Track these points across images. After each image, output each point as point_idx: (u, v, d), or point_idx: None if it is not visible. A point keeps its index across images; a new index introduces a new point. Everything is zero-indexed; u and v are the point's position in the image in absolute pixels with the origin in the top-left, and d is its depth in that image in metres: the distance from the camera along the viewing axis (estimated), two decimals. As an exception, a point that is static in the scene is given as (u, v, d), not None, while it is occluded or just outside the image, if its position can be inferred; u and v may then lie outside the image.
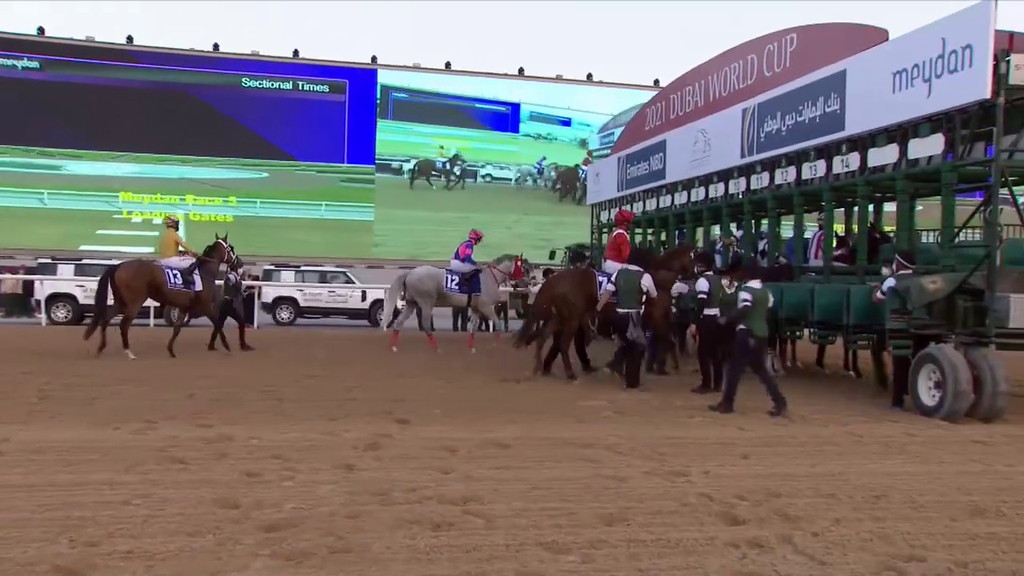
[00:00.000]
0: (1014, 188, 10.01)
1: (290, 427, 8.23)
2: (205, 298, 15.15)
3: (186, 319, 15.95)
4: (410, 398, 10.37)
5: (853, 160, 12.08)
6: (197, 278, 14.94)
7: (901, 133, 11.18)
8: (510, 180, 45.16)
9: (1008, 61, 9.26)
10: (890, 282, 10.35)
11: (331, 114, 41.49)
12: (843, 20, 13.32)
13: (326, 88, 41.51)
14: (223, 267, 16.07)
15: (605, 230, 23.02)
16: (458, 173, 44.38)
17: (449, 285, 16.76)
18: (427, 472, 6.53)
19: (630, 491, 6.11)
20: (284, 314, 24.79)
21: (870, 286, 11.07)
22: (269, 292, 24.76)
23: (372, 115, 42.27)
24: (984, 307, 9.67)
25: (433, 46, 71.41)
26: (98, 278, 15.00)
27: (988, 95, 9.33)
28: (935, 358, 9.69)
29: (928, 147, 10.66)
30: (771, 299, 10.47)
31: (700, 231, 18.04)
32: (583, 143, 46.72)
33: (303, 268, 26.60)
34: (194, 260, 15.17)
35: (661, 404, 10.43)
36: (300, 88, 41.27)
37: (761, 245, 15.54)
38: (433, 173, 43.99)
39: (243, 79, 40.68)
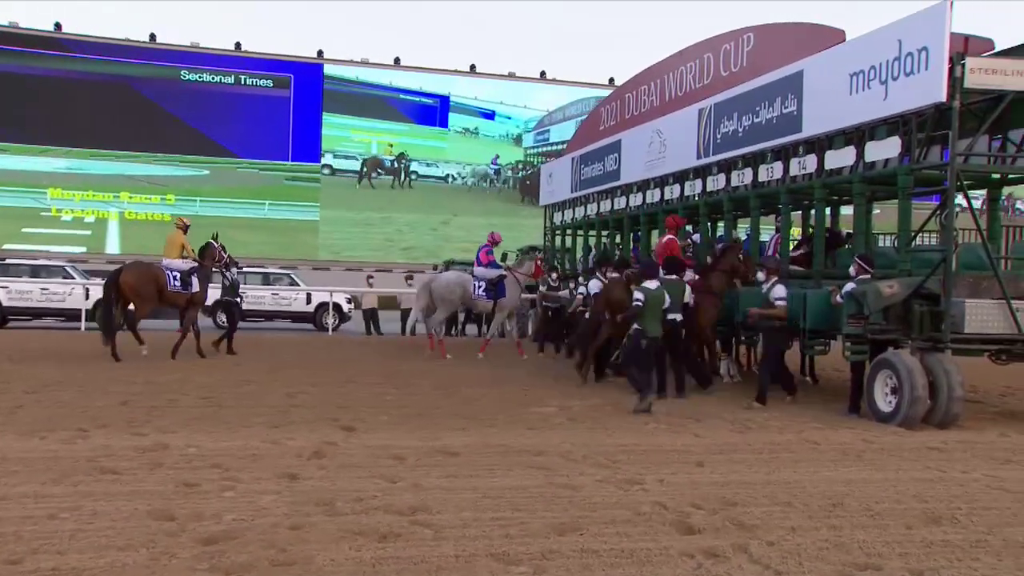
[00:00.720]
0: (970, 192, 10.20)
1: (230, 435, 8.14)
2: (199, 300, 15.78)
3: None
4: (357, 404, 10.32)
5: (810, 162, 12.25)
6: (195, 280, 15.57)
7: (858, 135, 11.37)
8: (443, 178, 44.83)
9: (963, 64, 9.46)
10: (848, 286, 10.51)
11: (275, 110, 41.08)
12: (801, 20, 13.54)
13: (270, 83, 41.10)
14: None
15: (559, 232, 23.10)
16: (403, 171, 44.25)
17: (476, 292, 16.79)
18: (374, 481, 6.48)
19: (583, 500, 6.12)
20: (224, 317, 24.31)
21: (827, 290, 11.23)
22: (209, 294, 24.36)
23: (318, 111, 41.95)
24: (940, 312, 9.84)
25: (381, 41, 71.25)
26: (91, 282, 16.03)
27: (944, 98, 9.52)
28: (891, 364, 9.86)
29: (885, 150, 10.85)
30: (667, 299, 10.86)
31: (655, 234, 18.15)
32: (517, 140, 46.55)
33: (245, 269, 26.29)
34: (194, 264, 15.78)
35: (615, 410, 10.47)
36: (243, 82, 40.79)
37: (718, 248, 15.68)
38: (380, 171, 43.82)
39: (182, 72, 40.12)
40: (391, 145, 44.11)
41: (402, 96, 44.14)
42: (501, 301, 16.92)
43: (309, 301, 24.94)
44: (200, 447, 7.53)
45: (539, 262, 18.07)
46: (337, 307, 24.47)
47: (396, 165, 44.23)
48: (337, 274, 36.84)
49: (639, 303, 10.43)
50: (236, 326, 17.19)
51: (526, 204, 45.33)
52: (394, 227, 43.18)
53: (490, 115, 45.91)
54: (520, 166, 47.23)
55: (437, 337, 17.06)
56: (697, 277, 12.73)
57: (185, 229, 16.13)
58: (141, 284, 14.90)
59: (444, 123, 45.14)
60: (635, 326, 10.48)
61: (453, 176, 45.26)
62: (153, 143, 39.37)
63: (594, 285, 13.06)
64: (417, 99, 44.62)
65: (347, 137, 42.83)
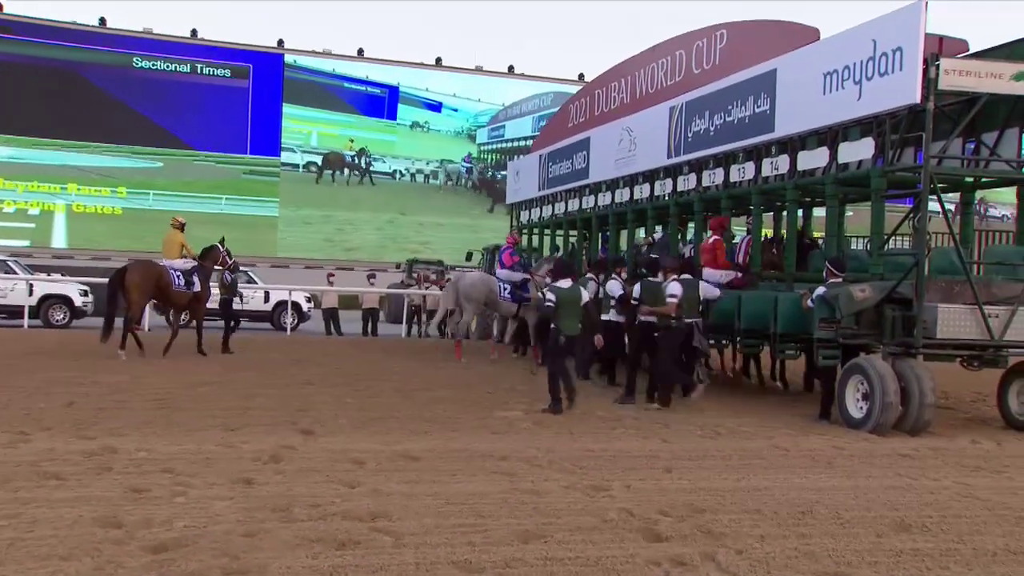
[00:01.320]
0: (944, 196, 10.33)
1: (183, 438, 8.05)
2: (202, 299, 16.35)
3: (186, 320, 17.23)
4: (315, 407, 10.26)
5: (782, 163, 12.37)
6: (196, 280, 16.08)
7: (831, 136, 11.49)
8: (391, 174, 44.60)
9: (938, 65, 9.56)
10: (820, 290, 10.61)
11: (233, 101, 40.71)
12: (775, 18, 13.66)
13: (227, 72, 40.75)
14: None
15: (525, 231, 23.11)
16: (366, 168, 44.06)
17: (502, 294, 16.84)
18: (332, 486, 6.44)
19: (548, 506, 6.12)
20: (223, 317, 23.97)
21: (799, 294, 11.33)
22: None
23: (278, 103, 41.63)
24: (912, 317, 9.95)
25: (345, 32, 70.91)
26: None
27: (918, 100, 9.63)
28: (863, 369, 9.96)
29: (858, 151, 10.98)
30: (584, 297, 11.00)
31: (624, 234, 18.23)
32: (471, 136, 46.25)
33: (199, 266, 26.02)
34: (195, 263, 16.28)
35: (582, 414, 10.49)
36: (199, 71, 40.40)
37: (686, 250, 15.80)
38: (343, 167, 43.61)
39: (134, 59, 39.61)
40: (351, 140, 43.88)
41: (346, 85, 43.47)
42: (527, 305, 16.91)
43: (267, 300, 24.76)
44: (151, 451, 7.44)
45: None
46: (296, 306, 24.32)
47: (357, 161, 44.03)
48: (296, 272, 36.65)
49: (551, 303, 10.68)
50: (237, 326, 17.75)
51: (484, 203, 45.21)
52: (354, 224, 42.99)
53: (436, 107, 45.48)
54: (473, 164, 46.99)
55: (460, 337, 17.21)
56: (739, 276, 13.11)
57: (182, 228, 16.62)
58: (143, 281, 15.27)
59: (392, 115, 44.63)
60: (552, 325, 10.83)
61: (401, 172, 44.75)
62: (103, 133, 38.83)
63: (614, 287, 13.02)
64: (363, 88, 43.91)
65: (286, 128, 42.55)
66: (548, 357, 10.97)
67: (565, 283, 10.87)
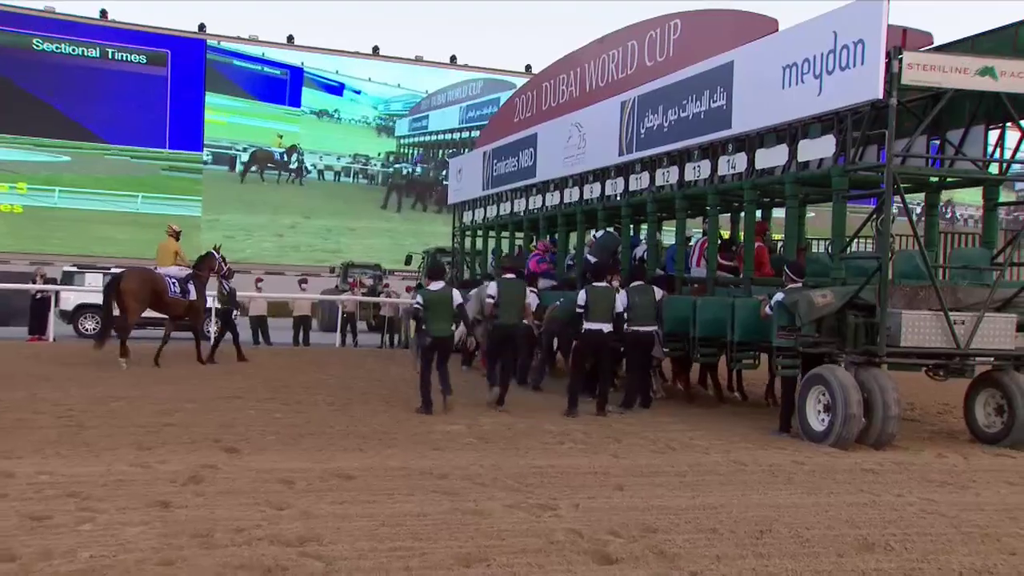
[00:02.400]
0: (907, 196, 10.50)
1: (91, 459, 7.92)
2: (199, 307, 17.23)
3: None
4: (241, 422, 10.18)
5: (740, 161, 12.48)
6: (192, 287, 16.85)
7: (791, 133, 11.63)
8: (294, 170, 43.91)
9: (901, 59, 9.71)
10: (778, 296, 10.73)
11: (150, 90, 40.02)
12: (730, 7, 13.80)
13: (143, 59, 40.03)
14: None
15: (468, 233, 23.10)
16: (299, 165, 43.67)
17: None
18: (258, 509, 6.39)
19: (491, 527, 6.13)
20: (89, 324, 23.51)
21: (757, 300, 11.45)
22: (70, 298, 23.57)
23: (199, 93, 41.02)
24: (875, 324, 10.08)
25: (274, 18, 70.31)
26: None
27: (880, 95, 9.75)
28: (824, 379, 10.08)
29: (818, 149, 11.11)
30: (455, 299, 11.72)
31: (573, 236, 18.29)
32: (388, 129, 45.75)
33: (113, 270, 25.51)
34: (190, 271, 17.09)
35: (528, 428, 10.52)
36: (110, 56, 39.57)
37: (639, 252, 15.90)
38: (270, 165, 43.18)
39: (35, 40, 38.64)
40: (280, 136, 43.46)
41: (237, 63, 42.44)
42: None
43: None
44: (53, 474, 7.28)
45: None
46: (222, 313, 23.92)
47: (286, 158, 43.64)
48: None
49: (419, 306, 11.61)
50: (238, 335, 18.34)
51: (403, 205, 44.74)
52: (286, 226, 42.57)
53: (337, 89, 44.67)
54: (393, 159, 46.43)
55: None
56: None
57: (177, 236, 17.75)
58: (140, 289, 15.99)
59: (296, 101, 43.91)
60: (421, 327, 11.72)
61: (308, 168, 44.13)
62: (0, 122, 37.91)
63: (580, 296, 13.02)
64: (258, 68, 42.87)
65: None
66: (420, 358, 11.77)
67: (436, 285, 11.81)
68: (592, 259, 14.76)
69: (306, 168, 44.03)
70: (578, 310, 12.01)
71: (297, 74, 43.63)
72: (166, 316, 17.12)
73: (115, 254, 34.09)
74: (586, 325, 11.87)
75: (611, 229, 16.61)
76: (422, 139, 47.19)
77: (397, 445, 9.18)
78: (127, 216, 39.13)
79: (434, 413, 11.29)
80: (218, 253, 17.79)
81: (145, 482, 7.10)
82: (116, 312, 16.09)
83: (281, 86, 43.47)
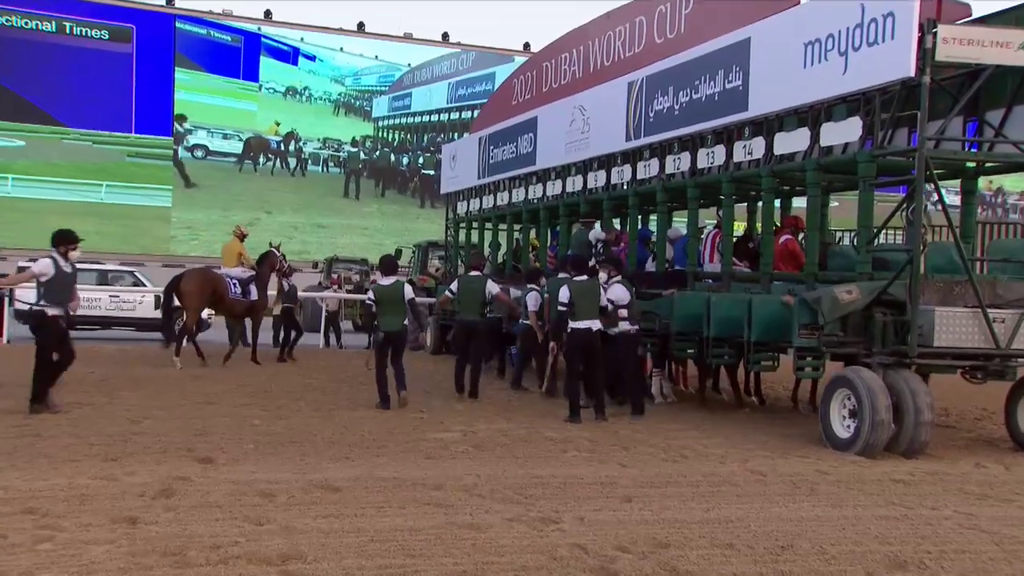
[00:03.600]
0: (941, 183, 10.44)
1: (51, 472, 7.88)
2: (260, 307, 18.33)
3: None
4: (216, 430, 10.17)
5: (757, 146, 12.45)
6: (253, 288, 18.01)
7: (813, 116, 11.59)
8: (235, 157, 42.89)
9: (935, 33, 9.67)
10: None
11: (113, 69, 39.73)
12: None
13: (105, 34, 39.75)
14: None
15: (463, 226, 23.08)
16: (297, 155, 43.21)
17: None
18: (235, 524, 6.38)
19: (489, 542, 6.13)
20: (283, 326, 23.42)
21: (777, 296, 11.43)
22: (26, 296, 23.53)
23: (169, 73, 40.79)
24: (906, 322, 10.07)
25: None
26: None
27: (912, 73, 9.72)
28: (850, 382, 10.07)
29: (844, 133, 11.07)
30: (407, 294, 12.61)
31: (576, 228, 18.24)
32: (357, 108, 45.02)
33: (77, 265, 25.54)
34: (253, 272, 18.28)
35: (527, 435, 10.53)
36: (69, 32, 39.24)
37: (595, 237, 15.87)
38: (269, 156, 42.92)
39: (-18, 12, 38.45)
40: (277, 124, 43.26)
41: (181, 26, 41.28)
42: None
43: (158, 305, 24.33)
44: (8, 488, 7.24)
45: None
46: (193, 312, 23.97)
47: (283, 147, 43.42)
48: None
49: (371, 301, 12.61)
50: (301, 333, 19.64)
51: (388, 197, 44.44)
52: (265, 215, 42.27)
53: (291, 56, 43.68)
54: (372, 144, 45.94)
55: None
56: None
57: (242, 238, 18.90)
58: (200, 291, 17.18)
59: (252, 75, 43.28)
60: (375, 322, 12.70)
61: (268, 156, 43.47)
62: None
63: (619, 292, 12.97)
64: (203, 32, 41.76)
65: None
66: (375, 354, 12.77)
67: (387, 280, 12.74)
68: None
69: (305, 158, 43.77)
70: (560, 308, 11.98)
71: (253, 42, 42.64)
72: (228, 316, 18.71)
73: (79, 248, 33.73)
74: (572, 325, 11.86)
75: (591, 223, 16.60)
76: (404, 120, 46.43)
77: (387, 454, 9.18)
78: (89, 207, 38.83)
79: (392, 408, 12.15)
80: (278, 251, 18.86)
81: (111, 496, 7.08)
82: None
83: (234, 56, 42.60)
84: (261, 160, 43.42)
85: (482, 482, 7.93)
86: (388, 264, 13.09)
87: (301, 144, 43.74)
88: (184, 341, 17.16)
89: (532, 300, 14.66)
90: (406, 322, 12.73)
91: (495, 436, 10.45)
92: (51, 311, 11.30)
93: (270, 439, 9.78)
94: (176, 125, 41.33)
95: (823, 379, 11.26)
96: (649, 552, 6.03)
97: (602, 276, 12.71)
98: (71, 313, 11.65)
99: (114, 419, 10.76)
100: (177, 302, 17.39)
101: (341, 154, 45.13)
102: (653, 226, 16.07)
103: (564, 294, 11.91)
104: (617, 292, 12.30)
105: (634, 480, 8.34)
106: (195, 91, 41.86)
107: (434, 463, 8.82)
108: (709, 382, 14.97)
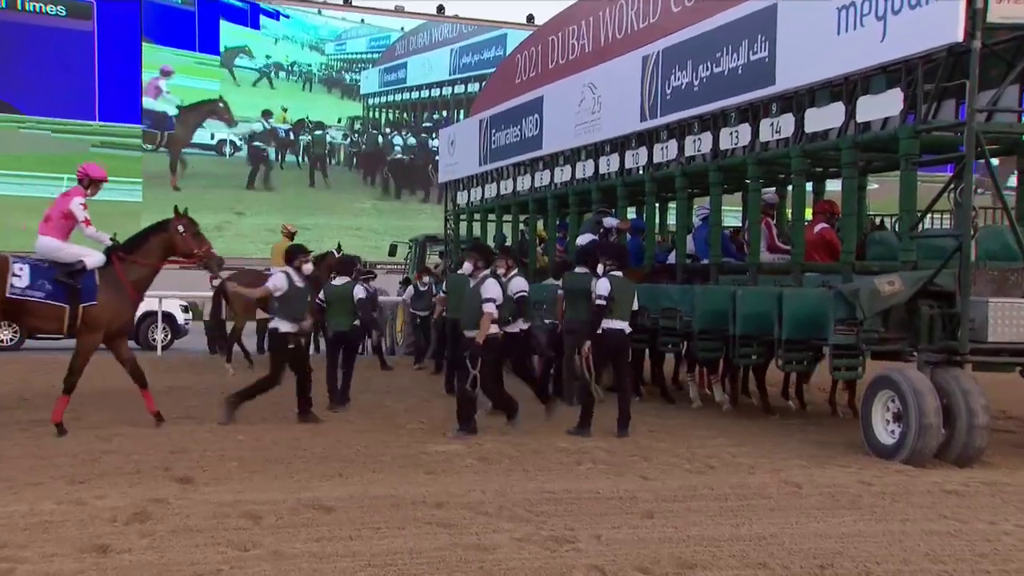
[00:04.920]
0: (994, 160, 10.38)
1: (10, 497, 7.85)
2: (314, 313, 17.89)
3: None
4: (196, 447, 10.17)
5: (786, 124, 12.39)
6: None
7: (848, 88, 11.53)
8: (214, 148, 42.38)
9: (988, -10, 9.65)
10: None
11: (73, 49, 39.52)
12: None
13: (63, 10, 39.55)
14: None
15: (463, 217, 23.07)
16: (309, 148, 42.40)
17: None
18: (218, 550, 6.37)
19: (497, 564, 6.13)
20: (1, 334, 23.50)
21: (812, 290, 11.39)
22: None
23: (136, 53, 40.60)
24: (956, 315, 10.02)
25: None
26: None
27: (960, 37, 9.65)
28: (894, 383, 10.02)
29: (882, 106, 11.00)
30: (357, 294, 13.75)
31: (587, 217, 18.21)
32: (340, 83, 43.98)
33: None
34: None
35: (538, 447, 10.52)
36: (21, 7, 39.12)
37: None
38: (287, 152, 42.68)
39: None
40: (285, 110, 43.05)
41: None
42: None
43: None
44: (-37, 515, 7.26)
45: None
46: (169, 318, 24.00)
47: (292, 136, 43.21)
48: (169, 273, 35.84)
49: (321, 301, 13.67)
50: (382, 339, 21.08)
51: (373, 188, 43.85)
52: (209, 227, 41.56)
53: (250, 15, 42.38)
54: (358, 127, 45.18)
55: None
56: None
57: (291, 236, 19.79)
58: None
59: (211, 45, 42.28)
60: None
61: (235, 143, 42.87)
62: None
63: (520, 285, 12.98)
64: None
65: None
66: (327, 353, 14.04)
67: (340, 280, 13.91)
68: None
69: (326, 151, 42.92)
70: (599, 303, 11.89)
71: (210, 8, 41.51)
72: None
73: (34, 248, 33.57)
74: (606, 324, 11.78)
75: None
76: (400, 97, 45.16)
77: (384, 470, 9.19)
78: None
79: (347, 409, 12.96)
80: (338, 252, 19.34)
81: (78, 522, 7.06)
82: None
83: (187, 23, 41.63)
84: (274, 155, 42.82)
85: (489, 498, 7.92)
86: (344, 264, 14.46)
87: (313, 132, 43.04)
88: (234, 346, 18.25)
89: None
90: (356, 323, 13.91)
91: (503, 448, 10.44)
92: (283, 327, 12.11)
93: (255, 456, 9.79)
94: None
95: (863, 380, 11.24)
96: (673, 573, 6.03)
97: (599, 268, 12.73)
98: (305, 331, 12.51)
99: (81, 437, 10.76)
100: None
101: (334, 139, 44.20)
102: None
103: (605, 287, 11.82)
104: (518, 284, 12.51)
105: (656, 494, 8.33)
106: (151, 69, 41.52)
107: (436, 478, 8.82)
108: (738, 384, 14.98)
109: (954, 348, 10.03)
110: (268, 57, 43.38)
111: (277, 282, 12.11)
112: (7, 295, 11.22)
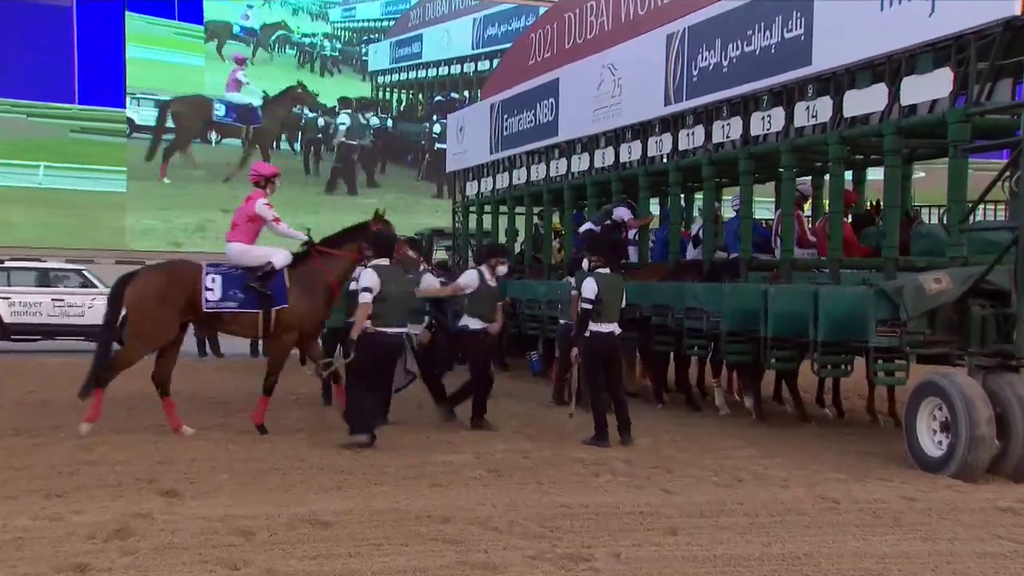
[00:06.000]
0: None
1: (-16, 510, 7.89)
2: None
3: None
4: (183, 458, 10.17)
5: (824, 107, 12.37)
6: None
7: (892, 68, 11.50)
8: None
9: (1050, -42, 9.61)
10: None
11: (51, 27, 39.57)
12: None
13: (39, -16, 39.60)
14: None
15: (472, 210, 23.07)
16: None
17: None
18: (206, 568, 6.38)
19: (510, 586, 6.10)
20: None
21: (852, 287, 11.34)
22: None
23: (119, 30, 40.54)
24: (1010, 316, 9.97)
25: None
26: None
27: (1017, 10, 9.65)
28: (941, 389, 9.96)
29: (930, 88, 10.96)
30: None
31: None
32: (337, 57, 42.70)
33: (7, 263, 25.52)
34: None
35: (552, 457, 10.54)
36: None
37: (695, 229, 15.82)
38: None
39: None
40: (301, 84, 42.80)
41: None
42: None
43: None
44: (-68, 532, 7.26)
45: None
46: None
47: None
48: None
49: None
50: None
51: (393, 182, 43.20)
52: (191, 227, 40.85)
53: None
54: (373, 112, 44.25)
55: None
56: None
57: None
58: None
59: (193, 13, 41.68)
60: None
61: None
62: None
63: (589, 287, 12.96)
64: None
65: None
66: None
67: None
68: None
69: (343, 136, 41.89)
70: (584, 306, 11.80)
71: None
72: None
73: (11, 242, 33.72)
74: (593, 328, 11.75)
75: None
76: (414, 76, 43.28)
77: (386, 482, 9.19)
78: (25, 192, 38.70)
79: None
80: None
81: (55, 539, 7.05)
82: None
83: None
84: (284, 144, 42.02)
85: (499, 513, 7.92)
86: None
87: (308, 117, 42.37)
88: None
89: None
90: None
91: (514, 458, 10.46)
92: (473, 325, 12.58)
93: (248, 466, 9.79)
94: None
95: (906, 385, 11.20)
96: (700, 595, 6.01)
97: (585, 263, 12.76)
98: (492, 333, 12.87)
99: (59, 447, 10.75)
100: None
101: (346, 125, 42.51)
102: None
103: (591, 288, 11.77)
104: (427, 281, 12.94)
105: (680, 509, 8.32)
106: (138, 44, 41.29)
107: (442, 491, 8.83)
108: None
109: (1009, 352, 9.98)
110: (261, 25, 42.71)
111: (468, 280, 12.52)
112: (204, 310, 12.11)
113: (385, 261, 11.55)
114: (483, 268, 12.65)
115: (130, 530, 7.25)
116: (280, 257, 12.11)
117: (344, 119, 42.57)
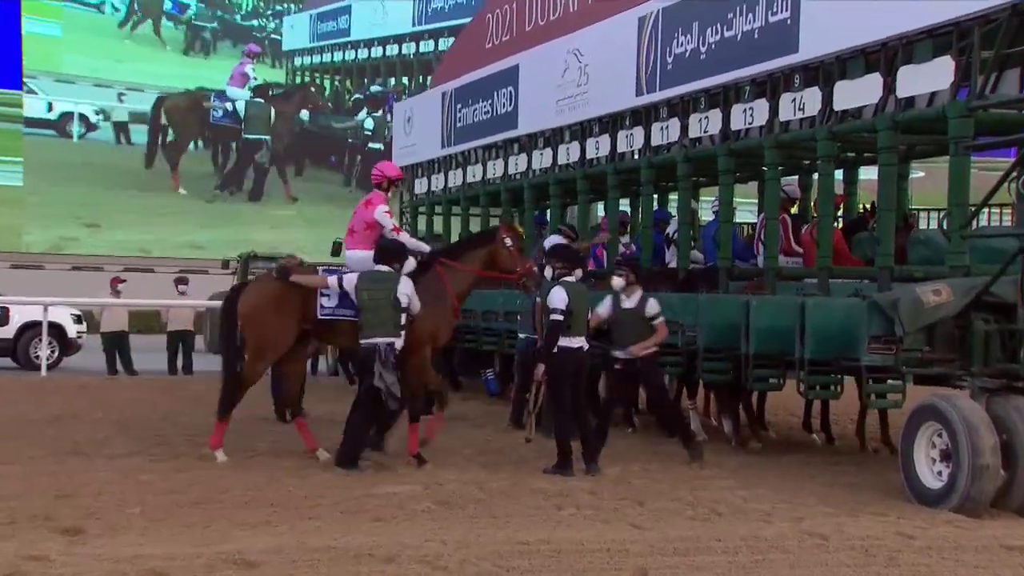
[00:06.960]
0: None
1: None
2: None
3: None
4: (88, 491, 10.06)
5: (812, 99, 12.41)
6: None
7: (887, 57, 11.55)
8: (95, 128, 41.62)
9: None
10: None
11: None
12: None
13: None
14: None
15: (422, 210, 23.04)
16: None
17: None
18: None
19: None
20: None
21: (842, 299, 11.35)
22: None
23: (14, 6, 40.33)
24: (1017, 332, 10.01)
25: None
26: None
27: (1024, -8, 9.74)
28: (940, 414, 9.96)
29: (928, 78, 11.03)
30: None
31: (574, 211, 18.22)
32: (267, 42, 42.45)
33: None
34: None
35: (509, 488, 10.55)
36: None
37: (670, 230, 15.84)
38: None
39: None
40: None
41: None
42: None
43: (6, 321, 24.31)
44: None
45: None
46: (57, 330, 23.92)
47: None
48: (58, 275, 35.81)
49: None
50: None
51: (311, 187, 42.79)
52: (82, 223, 41.16)
53: None
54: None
55: None
56: None
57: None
58: None
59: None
60: None
61: (90, 118, 42.01)
62: None
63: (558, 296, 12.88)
64: None
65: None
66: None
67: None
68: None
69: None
70: (555, 317, 11.70)
71: None
72: None
73: None
74: (562, 342, 11.71)
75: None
76: (340, 58, 41.96)
77: (322, 516, 9.16)
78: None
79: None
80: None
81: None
82: None
83: None
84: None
85: (449, 551, 7.90)
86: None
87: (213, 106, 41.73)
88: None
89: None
90: None
91: (467, 489, 10.44)
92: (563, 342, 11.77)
93: (163, 500, 9.70)
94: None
95: (902, 409, 11.21)
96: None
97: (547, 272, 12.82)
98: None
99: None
100: None
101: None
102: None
103: (560, 297, 11.67)
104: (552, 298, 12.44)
105: (651, 546, 8.32)
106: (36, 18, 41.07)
107: (385, 526, 8.80)
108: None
109: (1015, 372, 10.04)
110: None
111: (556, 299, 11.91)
112: (318, 317, 12.10)
113: (572, 277, 11.82)
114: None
115: (23, 574, 7.18)
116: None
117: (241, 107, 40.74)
